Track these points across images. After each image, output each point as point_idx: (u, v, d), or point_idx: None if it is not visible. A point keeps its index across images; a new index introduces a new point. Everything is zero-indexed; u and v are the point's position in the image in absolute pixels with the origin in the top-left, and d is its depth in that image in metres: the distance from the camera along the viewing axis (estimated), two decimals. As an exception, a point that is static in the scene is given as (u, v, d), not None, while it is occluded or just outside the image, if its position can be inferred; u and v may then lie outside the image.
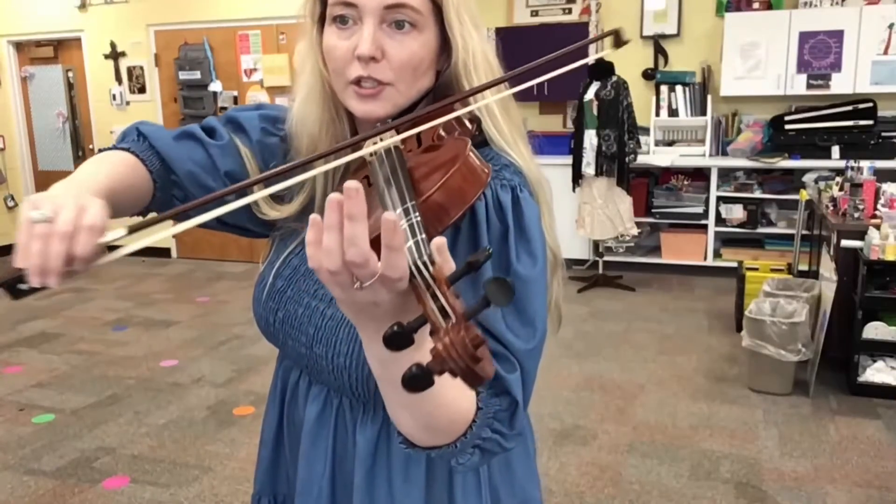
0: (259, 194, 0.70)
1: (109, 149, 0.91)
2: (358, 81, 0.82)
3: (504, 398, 0.76)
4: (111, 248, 0.67)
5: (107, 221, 0.67)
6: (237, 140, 0.97)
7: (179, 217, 0.71)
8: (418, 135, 0.77)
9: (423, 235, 0.58)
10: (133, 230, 0.66)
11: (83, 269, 0.65)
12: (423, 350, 0.59)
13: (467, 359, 0.49)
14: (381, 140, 0.75)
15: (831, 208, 4.03)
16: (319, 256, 0.57)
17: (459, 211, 0.66)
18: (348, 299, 0.60)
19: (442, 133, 0.75)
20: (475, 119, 0.78)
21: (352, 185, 0.55)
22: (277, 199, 0.94)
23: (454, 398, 0.71)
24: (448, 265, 0.57)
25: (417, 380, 0.51)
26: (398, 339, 0.53)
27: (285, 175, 0.70)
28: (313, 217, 0.57)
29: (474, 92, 0.79)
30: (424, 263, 0.56)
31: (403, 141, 0.75)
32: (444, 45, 0.85)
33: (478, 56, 0.84)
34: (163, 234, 0.63)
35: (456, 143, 0.71)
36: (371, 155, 0.73)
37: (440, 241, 0.57)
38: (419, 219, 0.60)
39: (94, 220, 0.65)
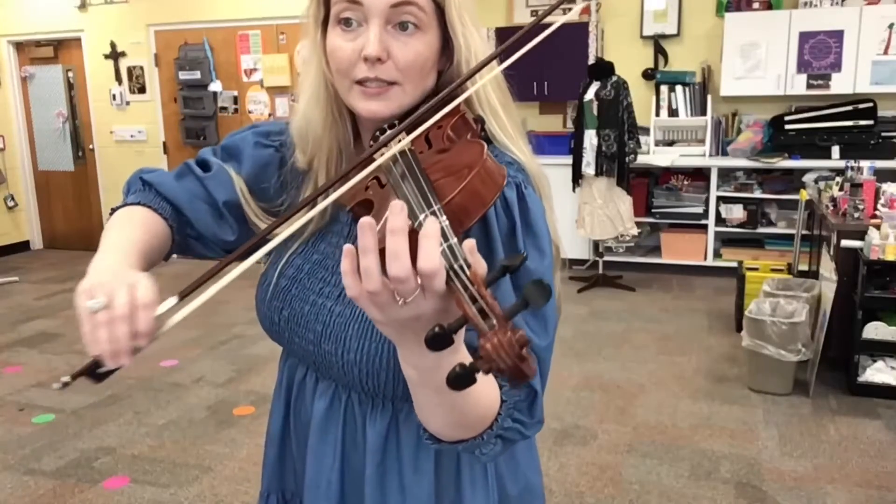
0: (281, 236, 0.73)
1: (122, 206, 0.94)
2: (363, 81, 0.83)
3: (523, 389, 0.79)
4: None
5: (157, 293, 0.71)
6: (229, 167, 0.99)
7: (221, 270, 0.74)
8: (427, 137, 0.77)
9: (455, 239, 0.59)
10: (183, 296, 0.71)
11: (148, 343, 0.70)
12: (459, 352, 0.62)
13: (515, 357, 0.52)
14: (393, 144, 0.75)
15: (831, 208, 4.03)
16: (357, 282, 0.58)
17: (478, 215, 0.67)
18: (389, 318, 0.61)
19: (451, 134, 0.76)
20: (480, 119, 0.79)
21: (396, 203, 0.58)
22: (275, 214, 0.97)
23: (484, 394, 0.74)
24: (481, 266, 0.59)
25: (462, 378, 0.54)
26: (440, 340, 0.54)
27: (307, 205, 0.75)
28: (347, 247, 0.59)
29: (465, 79, 0.80)
30: (461, 267, 0.57)
31: (414, 143, 0.76)
32: (445, 45, 0.86)
33: (479, 55, 0.86)
34: (210, 292, 0.68)
35: (471, 146, 0.72)
36: (382, 155, 0.74)
37: (471, 244, 0.59)
38: (447, 222, 0.61)
39: (146, 296, 0.70)
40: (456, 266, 0.57)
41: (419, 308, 0.60)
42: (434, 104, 0.77)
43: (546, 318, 0.83)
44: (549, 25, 0.82)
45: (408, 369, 0.69)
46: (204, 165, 1.01)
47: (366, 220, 0.58)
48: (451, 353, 0.60)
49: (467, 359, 0.54)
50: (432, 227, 0.57)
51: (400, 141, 0.75)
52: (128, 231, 0.87)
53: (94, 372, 0.70)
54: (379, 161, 0.73)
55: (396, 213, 0.57)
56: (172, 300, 0.71)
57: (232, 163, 1.00)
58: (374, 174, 0.76)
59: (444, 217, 0.62)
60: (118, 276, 0.72)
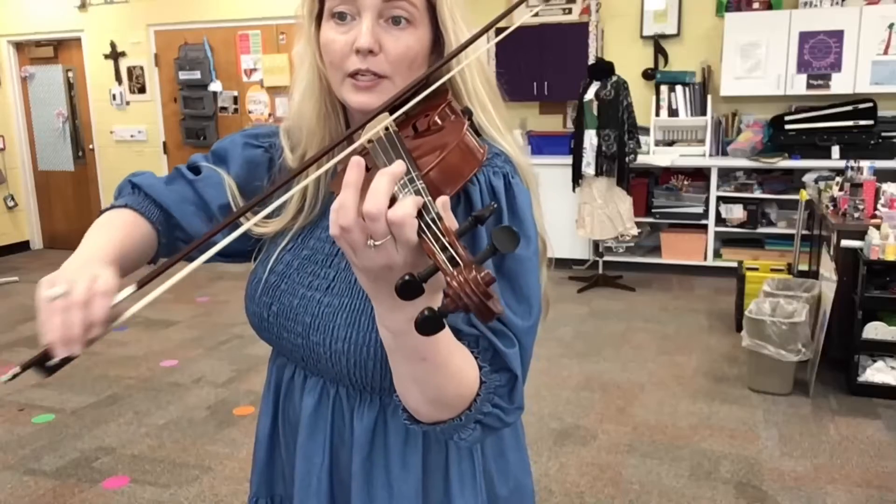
0: (255, 219, 0.75)
1: (109, 208, 0.96)
2: (355, 74, 0.84)
3: (504, 374, 0.80)
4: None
5: (117, 284, 0.72)
6: (220, 171, 1.01)
7: (185, 259, 0.76)
8: (414, 123, 0.79)
9: (430, 197, 0.62)
10: (141, 285, 0.73)
11: (103, 332, 0.70)
12: (433, 304, 0.63)
13: (480, 294, 0.53)
14: (376, 127, 0.77)
15: (831, 208, 4.03)
16: (337, 215, 0.62)
17: (457, 187, 0.70)
18: (363, 263, 0.64)
19: (437, 120, 0.78)
20: (467, 111, 0.80)
21: (399, 161, 0.63)
22: (267, 216, 0.96)
23: (461, 370, 0.75)
24: (452, 221, 0.61)
25: (429, 321, 0.55)
26: (409, 288, 0.56)
27: (281, 190, 0.76)
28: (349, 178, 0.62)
29: (446, 61, 0.82)
30: (433, 220, 0.60)
31: (400, 129, 0.77)
32: (436, 41, 0.88)
33: (469, 51, 0.87)
34: (169, 282, 0.69)
35: (453, 125, 0.75)
36: (369, 142, 0.75)
37: (444, 199, 0.62)
38: (423, 185, 0.64)
39: (106, 285, 0.71)
40: (427, 219, 0.60)
41: (390, 257, 0.62)
42: (415, 85, 0.79)
43: (529, 301, 0.83)
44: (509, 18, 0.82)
45: (384, 333, 0.71)
46: (195, 170, 1.02)
47: (357, 158, 0.62)
48: (423, 302, 0.62)
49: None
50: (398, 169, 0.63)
51: (382, 123, 0.77)
52: (105, 234, 0.89)
53: (45, 363, 0.70)
54: (362, 140, 0.75)
55: (397, 163, 0.63)
56: (131, 288, 0.73)
57: (222, 166, 1.02)
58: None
59: (421, 181, 0.65)
60: (81, 268, 0.74)
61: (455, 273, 0.54)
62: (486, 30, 0.83)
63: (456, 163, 0.69)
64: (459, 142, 0.69)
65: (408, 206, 0.60)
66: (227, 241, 0.71)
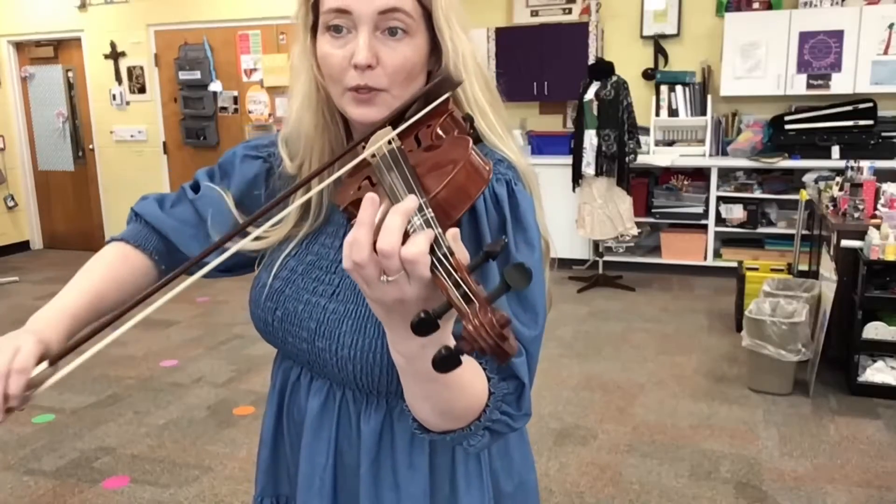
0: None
1: (110, 241, 1.03)
2: (355, 88, 0.84)
3: (511, 381, 0.81)
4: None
5: (34, 361, 0.79)
6: (220, 187, 1.02)
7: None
8: (417, 136, 0.79)
9: (440, 230, 0.62)
10: (53, 362, 0.80)
11: (21, 404, 0.78)
12: (445, 338, 0.65)
13: (496, 337, 0.54)
14: (380, 140, 0.76)
15: (831, 208, 4.03)
16: (350, 251, 0.62)
17: (464, 208, 0.69)
18: (376, 296, 0.64)
19: (440, 133, 0.77)
20: (468, 117, 0.80)
21: (412, 196, 0.64)
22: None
23: (471, 384, 0.76)
24: (464, 254, 0.62)
25: (447, 360, 0.56)
26: (425, 325, 0.57)
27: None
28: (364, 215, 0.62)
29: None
30: (445, 255, 0.60)
31: (403, 142, 0.77)
32: (434, 47, 0.87)
33: (467, 57, 0.87)
34: (81, 358, 0.77)
35: (458, 142, 0.74)
36: (373, 156, 0.75)
37: (454, 232, 0.62)
38: (433, 214, 0.64)
39: (22, 362, 0.78)
40: (440, 254, 0.60)
41: (403, 291, 0.62)
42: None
43: (535, 309, 0.84)
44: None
45: (396, 356, 0.71)
46: (196, 188, 1.04)
47: (371, 195, 0.62)
48: (435, 340, 0.63)
49: (452, 343, 0.57)
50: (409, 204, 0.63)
51: (385, 137, 0.77)
52: (81, 282, 0.95)
53: None
54: (364, 154, 0.74)
55: (409, 198, 0.63)
56: (43, 366, 0.79)
57: (225, 180, 1.03)
58: (366, 174, 0.77)
59: (430, 210, 0.64)
60: (8, 340, 0.81)
61: (470, 314, 0.55)
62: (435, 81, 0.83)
63: (463, 183, 0.69)
64: (466, 162, 0.69)
65: (421, 243, 0.60)
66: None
